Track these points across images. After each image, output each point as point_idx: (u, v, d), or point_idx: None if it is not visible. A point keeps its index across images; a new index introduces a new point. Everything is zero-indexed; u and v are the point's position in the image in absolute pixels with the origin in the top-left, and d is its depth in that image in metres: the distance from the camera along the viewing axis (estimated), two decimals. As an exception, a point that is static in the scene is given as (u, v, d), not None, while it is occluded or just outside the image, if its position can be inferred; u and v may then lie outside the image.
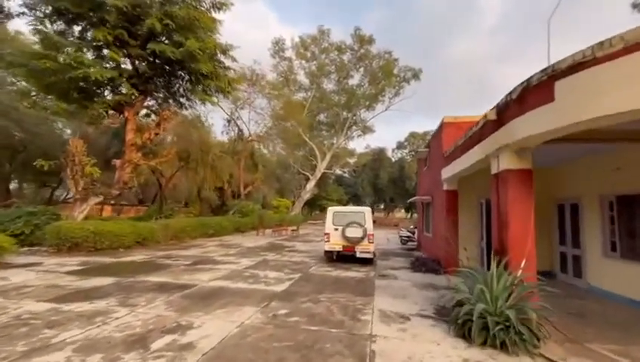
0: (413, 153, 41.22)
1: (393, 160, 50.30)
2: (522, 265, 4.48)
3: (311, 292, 6.49)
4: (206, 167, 20.26)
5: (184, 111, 24.06)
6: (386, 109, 38.17)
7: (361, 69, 37.34)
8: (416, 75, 35.41)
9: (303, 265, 9.79)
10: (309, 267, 9.42)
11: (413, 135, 48.88)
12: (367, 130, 42.16)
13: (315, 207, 48.35)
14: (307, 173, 40.88)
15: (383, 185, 46.79)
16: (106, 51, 12.61)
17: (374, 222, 12.70)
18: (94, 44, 12.55)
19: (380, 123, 76.89)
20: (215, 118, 70.45)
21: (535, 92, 4.03)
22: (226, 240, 16.75)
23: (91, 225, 11.53)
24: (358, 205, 52.85)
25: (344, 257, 10.13)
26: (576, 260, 7.56)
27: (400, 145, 51.73)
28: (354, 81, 38.12)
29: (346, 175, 53.46)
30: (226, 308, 5.36)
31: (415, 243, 15.89)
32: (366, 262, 10.07)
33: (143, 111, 16.19)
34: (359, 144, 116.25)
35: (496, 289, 4.25)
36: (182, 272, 8.20)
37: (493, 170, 5.26)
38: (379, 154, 49.07)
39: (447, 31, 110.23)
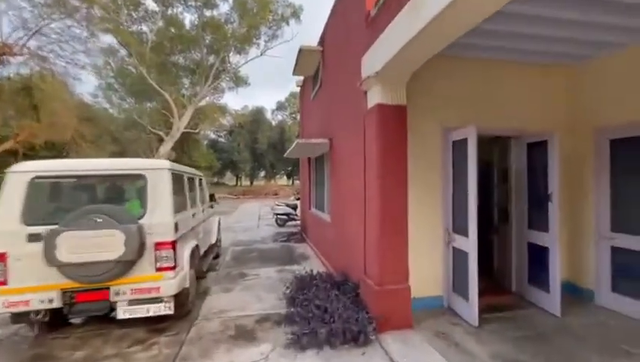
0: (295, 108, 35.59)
1: (274, 123, 44.80)
2: None
3: None
4: None
5: None
6: (261, 54, 31.10)
7: (230, -1, 28.76)
8: (295, 14, 29.40)
9: None
10: None
11: (294, 95, 43.73)
12: (240, 81, 34.37)
13: (176, 177, 38.81)
14: (161, 133, 30.73)
15: (262, 150, 41.32)
16: None
17: (214, 197, 6.29)
18: None
19: (259, 85, 67.09)
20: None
21: None
22: None
23: None
24: (235, 173, 45.00)
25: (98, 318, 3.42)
26: None
27: (280, 106, 46.60)
28: (220, 12, 29.25)
29: (222, 139, 44.92)
30: None
31: (298, 221, 10.55)
32: (159, 323, 3.53)
33: None
34: (235, 102, 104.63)
35: None
36: None
37: None
38: (257, 115, 42.57)
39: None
